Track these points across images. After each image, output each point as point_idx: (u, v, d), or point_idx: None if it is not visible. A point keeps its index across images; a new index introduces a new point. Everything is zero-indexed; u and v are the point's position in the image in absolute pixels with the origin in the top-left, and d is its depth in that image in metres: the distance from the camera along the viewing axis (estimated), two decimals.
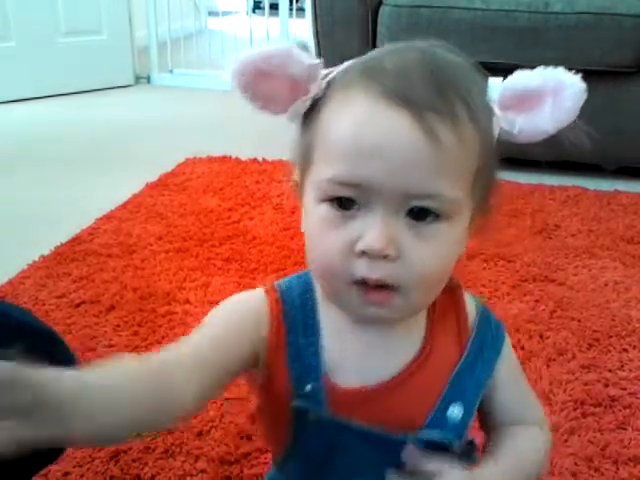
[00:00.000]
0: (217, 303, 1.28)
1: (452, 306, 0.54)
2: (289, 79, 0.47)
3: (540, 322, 1.14)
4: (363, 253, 0.44)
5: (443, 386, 0.51)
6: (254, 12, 3.83)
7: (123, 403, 0.39)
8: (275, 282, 0.54)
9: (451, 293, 0.54)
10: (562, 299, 1.22)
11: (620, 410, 0.93)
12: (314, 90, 0.47)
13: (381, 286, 0.45)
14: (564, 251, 1.42)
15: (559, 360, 1.03)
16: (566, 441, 0.86)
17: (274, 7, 3.32)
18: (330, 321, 0.51)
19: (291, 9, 3.37)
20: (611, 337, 1.10)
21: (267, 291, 0.53)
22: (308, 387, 0.49)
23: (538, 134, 0.48)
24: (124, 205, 1.61)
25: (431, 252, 0.45)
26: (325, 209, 0.46)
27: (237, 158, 1.98)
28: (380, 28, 1.88)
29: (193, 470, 0.82)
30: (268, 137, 2.34)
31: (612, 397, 0.95)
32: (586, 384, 0.98)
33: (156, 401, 0.42)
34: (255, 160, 1.97)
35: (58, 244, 1.38)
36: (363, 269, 0.44)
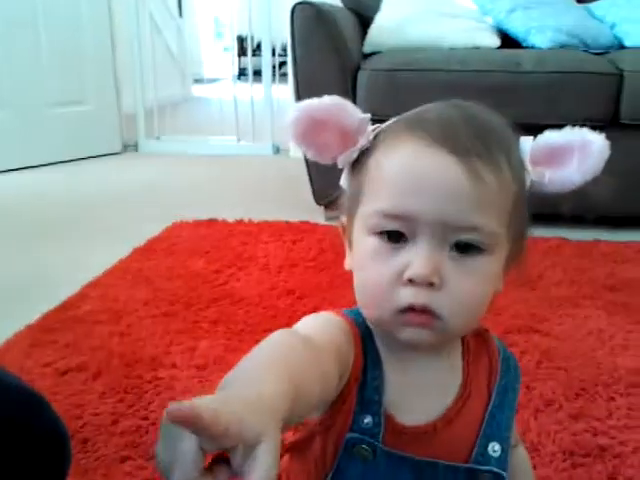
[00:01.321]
0: (204, 367, 1.27)
1: (484, 348, 0.58)
2: (340, 130, 0.52)
3: (527, 373, 1.14)
4: (410, 281, 0.47)
5: (480, 425, 0.55)
6: (239, 79, 3.93)
7: (312, 391, 0.41)
8: (340, 310, 0.56)
9: (482, 336, 0.59)
10: (548, 349, 1.23)
11: (610, 460, 0.92)
12: (363, 142, 0.52)
13: (424, 311, 0.48)
14: (548, 301, 1.43)
15: (547, 411, 1.03)
16: None
17: (258, 73, 3.42)
18: (386, 356, 0.54)
19: (274, 75, 3.47)
20: (597, 386, 1.11)
21: (344, 317, 0.55)
22: (368, 419, 0.52)
23: (566, 186, 0.52)
24: (111, 271, 1.62)
25: (472, 284, 0.48)
26: (374, 241, 0.50)
27: (224, 220, 2.01)
28: (359, 92, 1.95)
29: None
30: (254, 199, 2.39)
31: (601, 447, 0.95)
32: (575, 434, 0.97)
33: (323, 383, 0.44)
34: (241, 221, 1.99)
35: (45, 312, 1.38)
36: (409, 296, 0.48)
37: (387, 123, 0.54)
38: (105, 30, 3.17)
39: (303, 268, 1.62)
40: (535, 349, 1.22)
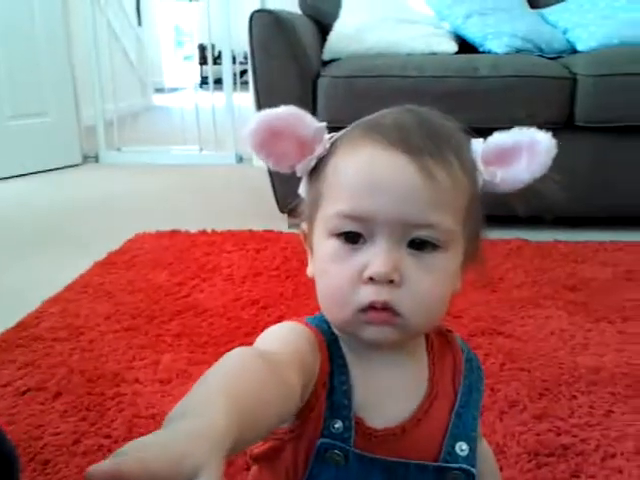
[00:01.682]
0: (167, 381, 1.25)
1: (448, 348, 0.60)
2: (298, 140, 0.53)
3: (491, 375, 1.15)
4: (370, 279, 0.49)
5: (447, 425, 0.56)
6: (201, 87, 3.91)
7: (268, 413, 0.41)
8: (303, 318, 0.57)
9: (445, 336, 0.60)
10: (511, 351, 1.24)
11: (573, 458, 0.93)
12: (320, 150, 0.53)
13: (385, 308, 0.49)
14: (510, 303, 1.45)
15: (511, 412, 1.04)
16: None
17: (219, 82, 3.40)
18: (352, 360, 0.55)
19: (235, 83, 3.46)
20: (560, 385, 1.12)
21: (307, 325, 0.55)
22: (339, 424, 0.52)
23: (516, 184, 0.54)
24: (71, 286, 1.59)
25: (430, 280, 0.50)
26: (334, 244, 0.51)
27: (186, 231, 1.99)
28: (320, 99, 1.95)
29: None
30: (218, 208, 2.37)
31: (564, 446, 0.96)
32: (539, 434, 0.99)
33: (283, 398, 0.44)
34: (204, 232, 1.98)
35: (2, 331, 1.35)
36: (370, 294, 0.49)
37: (343, 131, 0.55)
38: (61, 40, 3.12)
39: (267, 277, 1.61)
40: (498, 351, 1.24)
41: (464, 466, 0.55)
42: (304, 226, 0.58)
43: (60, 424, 1.04)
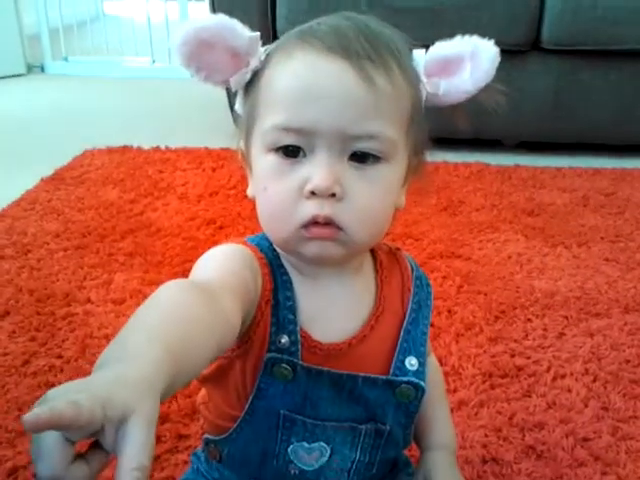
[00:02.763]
0: (120, 301, 1.22)
1: (396, 266, 0.59)
2: (230, 51, 0.50)
3: (448, 298, 1.15)
4: (312, 194, 0.47)
5: (396, 340, 0.56)
6: None
7: (205, 347, 0.39)
8: (242, 238, 0.56)
9: (394, 254, 0.60)
10: (468, 274, 1.24)
11: (525, 379, 0.95)
12: (254, 62, 0.50)
13: (327, 224, 0.48)
14: (469, 226, 1.45)
15: (467, 335, 1.06)
16: (476, 414, 0.88)
17: None
18: (296, 278, 0.54)
19: None
20: (516, 308, 1.14)
21: (248, 245, 0.54)
22: (285, 339, 0.52)
23: (460, 95, 0.52)
24: (17, 202, 1.52)
25: (373, 192, 0.49)
26: (273, 159, 0.49)
27: (139, 147, 1.91)
28: (279, 10, 1.84)
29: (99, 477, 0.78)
30: (171, 124, 2.28)
31: (518, 367, 0.98)
32: (493, 356, 1.00)
33: (221, 328, 0.42)
34: (158, 149, 1.90)
35: None
36: (312, 209, 0.47)
37: (277, 41, 0.52)
38: None
39: (224, 196, 1.56)
40: (456, 274, 1.24)
41: (414, 380, 0.56)
42: (242, 144, 0.55)
43: (8, 344, 1.00)
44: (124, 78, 3.07)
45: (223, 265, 0.50)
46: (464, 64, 0.52)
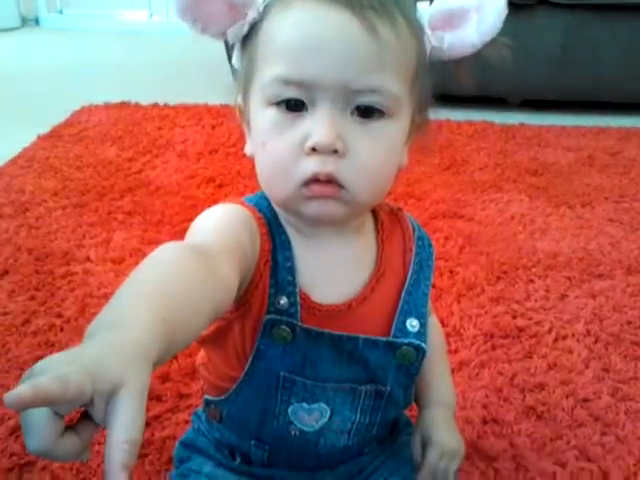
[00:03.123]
0: (120, 260, 1.21)
1: (398, 226, 0.58)
2: (227, 2, 0.48)
3: (450, 258, 1.15)
4: (313, 150, 0.45)
5: (397, 301, 0.55)
6: None
7: (201, 311, 0.38)
8: (240, 198, 0.54)
9: (395, 214, 0.59)
10: (471, 234, 1.23)
11: (527, 339, 0.95)
12: (252, 14, 0.48)
13: (329, 181, 0.46)
14: (472, 186, 1.43)
15: (469, 295, 1.05)
16: (477, 374, 0.88)
17: None
18: (295, 238, 0.52)
19: None
20: (518, 269, 1.13)
21: (245, 205, 0.52)
22: (284, 301, 0.51)
23: (466, 48, 0.50)
24: (14, 160, 1.50)
25: (376, 149, 0.47)
26: (273, 113, 0.47)
27: (137, 103, 1.88)
28: None
29: (101, 437, 0.78)
30: (170, 80, 2.24)
31: (519, 328, 0.97)
32: (495, 317, 1.00)
33: (218, 292, 0.41)
34: (156, 105, 1.87)
35: None
36: (313, 166, 0.46)
37: None
38: None
39: (223, 154, 1.54)
40: (458, 234, 1.23)
41: (415, 341, 0.55)
42: (239, 99, 0.53)
43: (8, 303, 1.00)
44: (121, 32, 3.01)
45: (220, 227, 0.48)
46: (470, 16, 0.50)
